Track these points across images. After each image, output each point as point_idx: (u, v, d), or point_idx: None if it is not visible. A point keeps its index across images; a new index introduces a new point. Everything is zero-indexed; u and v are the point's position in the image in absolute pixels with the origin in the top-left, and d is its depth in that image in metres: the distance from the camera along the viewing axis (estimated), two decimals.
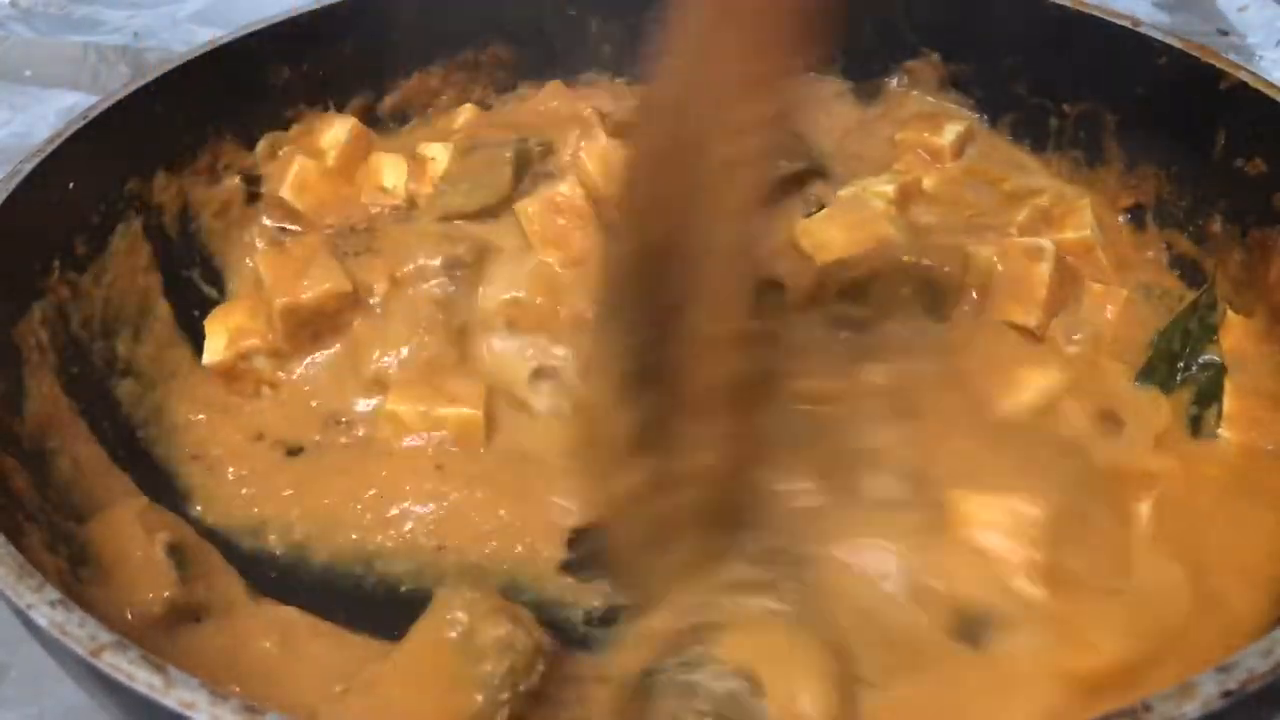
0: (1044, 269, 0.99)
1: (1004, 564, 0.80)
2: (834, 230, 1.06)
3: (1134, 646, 0.76)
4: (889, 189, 1.12)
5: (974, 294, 1.01)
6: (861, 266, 0.98)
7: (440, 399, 1.00)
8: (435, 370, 1.04)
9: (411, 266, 1.09)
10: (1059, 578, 0.79)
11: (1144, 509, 0.86)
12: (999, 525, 0.81)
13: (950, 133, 1.25)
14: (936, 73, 1.32)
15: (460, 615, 0.76)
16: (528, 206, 1.12)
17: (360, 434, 1.03)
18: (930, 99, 1.33)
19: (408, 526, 0.95)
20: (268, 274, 1.05)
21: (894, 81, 1.35)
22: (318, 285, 1.05)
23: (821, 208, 1.09)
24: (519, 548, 0.93)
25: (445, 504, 0.96)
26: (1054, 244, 1.03)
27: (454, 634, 0.75)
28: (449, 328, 1.07)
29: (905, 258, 0.99)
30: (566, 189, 1.11)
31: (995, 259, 1.01)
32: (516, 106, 1.40)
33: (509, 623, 0.76)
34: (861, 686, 0.75)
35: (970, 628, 0.79)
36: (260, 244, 1.20)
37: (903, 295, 0.99)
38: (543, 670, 0.76)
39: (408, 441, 1.00)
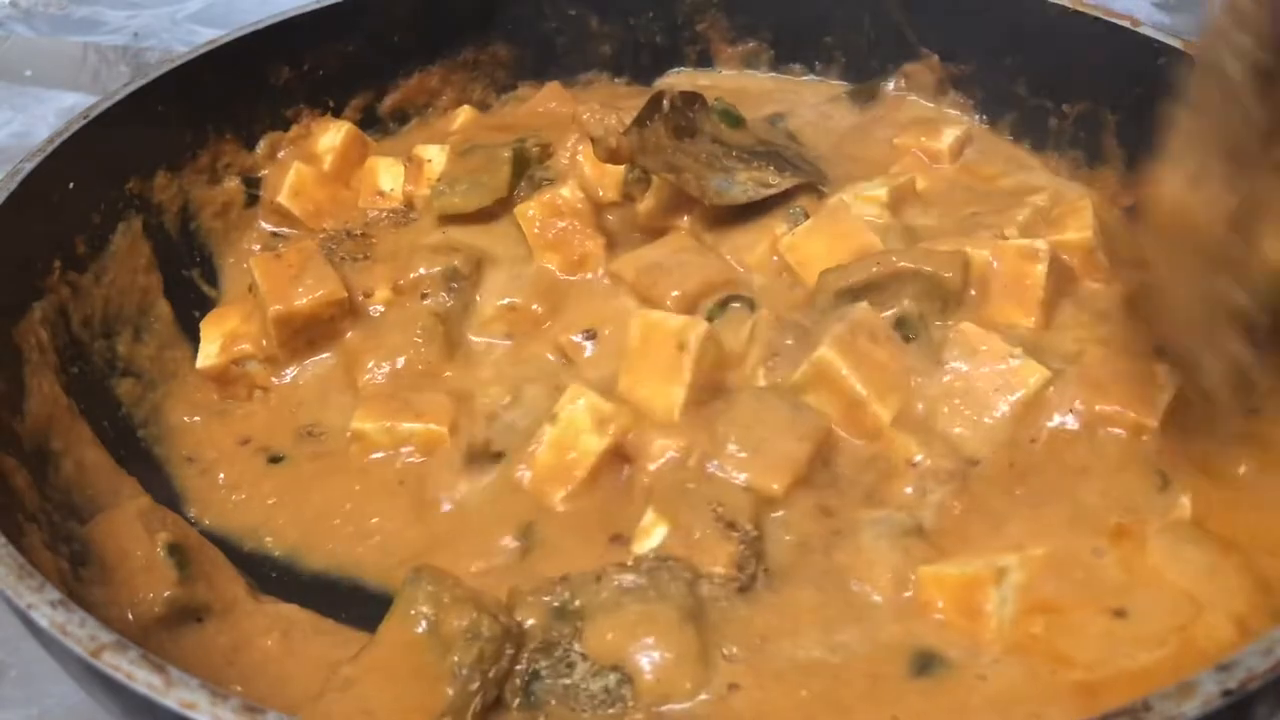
0: (1039, 270, 0.98)
1: (973, 635, 0.79)
2: (818, 243, 1.04)
3: (1132, 654, 0.75)
4: (881, 193, 1.12)
5: (972, 293, 1.01)
6: (859, 273, 0.98)
7: (407, 414, 0.99)
8: (424, 380, 1.03)
9: (411, 276, 1.09)
10: (1040, 622, 0.78)
11: (1185, 501, 0.85)
12: (965, 605, 0.80)
13: (948, 137, 1.25)
14: (934, 75, 1.32)
15: (424, 609, 0.76)
16: (528, 209, 1.12)
17: (332, 445, 1.02)
18: (927, 103, 1.33)
19: (387, 537, 0.94)
20: (262, 281, 1.05)
21: (890, 85, 1.35)
22: (312, 293, 1.04)
23: (808, 217, 1.09)
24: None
25: (423, 515, 0.95)
26: (1050, 245, 1.01)
27: (420, 629, 0.75)
28: (447, 339, 1.06)
29: (903, 264, 0.98)
30: (568, 192, 1.11)
31: (991, 260, 1.01)
32: (515, 108, 1.40)
33: (474, 610, 0.76)
34: (719, 655, 0.78)
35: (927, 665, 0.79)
36: (256, 249, 1.20)
37: (903, 302, 0.98)
38: (513, 653, 0.76)
39: (375, 455, 0.99)
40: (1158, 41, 1.12)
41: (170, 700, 0.60)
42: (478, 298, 1.09)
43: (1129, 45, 1.14)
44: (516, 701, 0.76)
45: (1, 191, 0.96)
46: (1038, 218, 1.10)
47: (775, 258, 1.07)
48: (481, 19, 1.37)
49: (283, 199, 1.20)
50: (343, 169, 1.25)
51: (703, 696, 0.76)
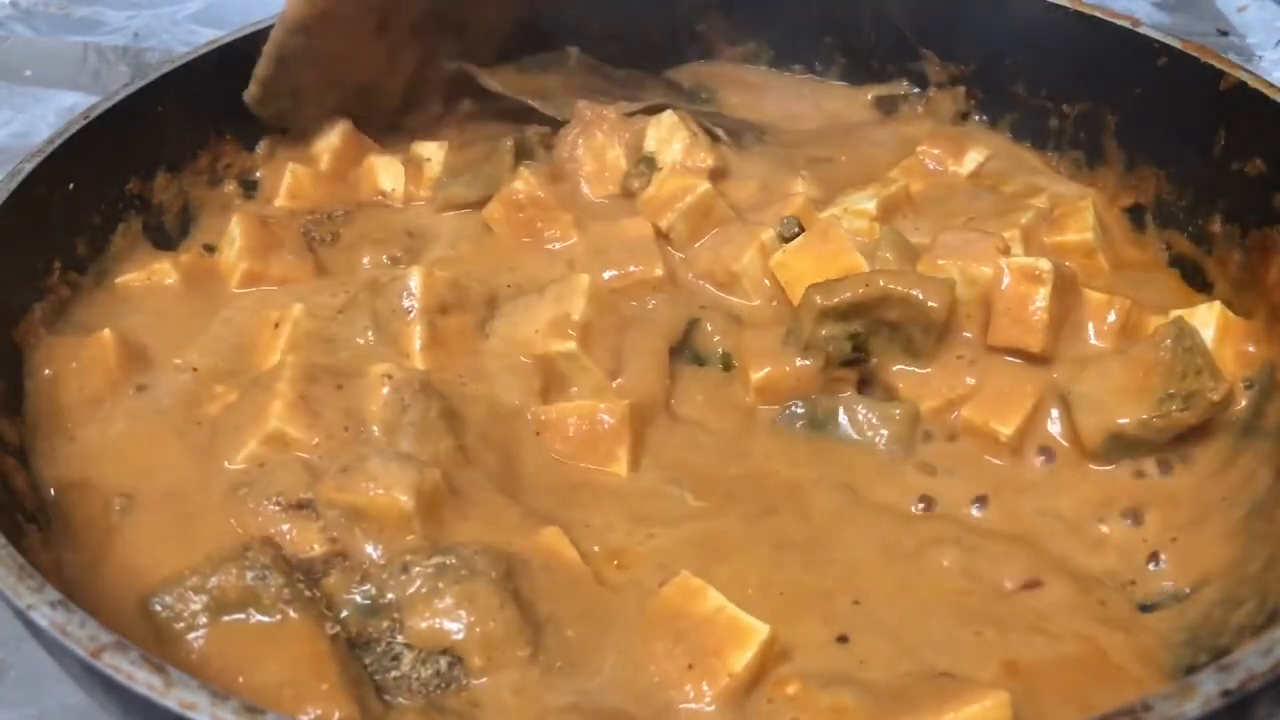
0: (1043, 292, 0.96)
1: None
2: (806, 261, 1.03)
3: None
4: (870, 206, 1.11)
5: (968, 320, 0.99)
6: (844, 292, 0.96)
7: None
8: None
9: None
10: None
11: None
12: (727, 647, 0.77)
13: (971, 162, 1.23)
14: (955, 107, 1.32)
15: (208, 597, 0.77)
16: (494, 210, 1.13)
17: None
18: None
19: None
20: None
21: (918, 108, 1.34)
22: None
23: (803, 229, 1.08)
24: None
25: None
26: (1054, 255, 0.99)
27: (241, 615, 0.77)
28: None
29: (891, 287, 0.95)
30: (522, 184, 1.12)
31: (993, 279, 0.97)
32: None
33: (241, 560, 0.78)
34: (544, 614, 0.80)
35: None
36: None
37: (887, 327, 0.97)
38: (305, 577, 0.79)
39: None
40: (1158, 41, 1.12)
41: (170, 700, 0.60)
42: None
43: (1129, 45, 1.14)
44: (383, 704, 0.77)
45: (1, 192, 0.96)
46: (1039, 220, 1.09)
47: (767, 281, 1.06)
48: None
49: (281, 202, 1.20)
50: (340, 167, 1.24)
51: (541, 658, 0.77)
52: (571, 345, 0.97)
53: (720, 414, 1.00)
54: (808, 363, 0.98)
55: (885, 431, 0.97)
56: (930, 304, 0.95)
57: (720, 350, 1.03)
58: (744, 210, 1.13)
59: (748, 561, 0.86)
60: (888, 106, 1.35)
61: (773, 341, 1.01)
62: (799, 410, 0.99)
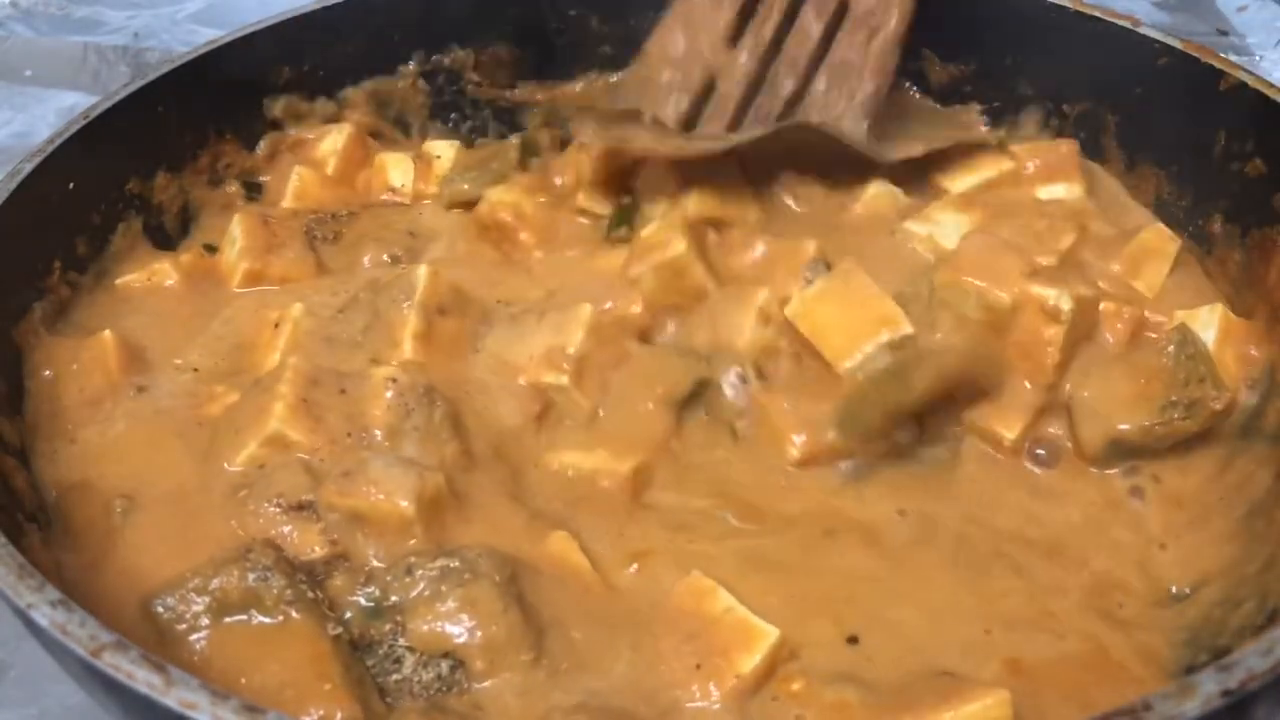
0: (1057, 332, 0.92)
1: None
2: (831, 309, 0.96)
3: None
4: (922, 230, 1.06)
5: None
6: (904, 393, 0.91)
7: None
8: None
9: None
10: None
11: None
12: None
13: (1048, 193, 1.13)
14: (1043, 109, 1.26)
15: (210, 599, 0.77)
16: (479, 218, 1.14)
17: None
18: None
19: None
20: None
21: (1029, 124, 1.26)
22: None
23: (829, 267, 1.00)
24: None
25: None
26: (1075, 298, 0.93)
27: (244, 617, 0.77)
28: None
29: (946, 360, 0.92)
30: (496, 198, 1.13)
31: (1011, 307, 0.94)
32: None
33: (243, 561, 0.78)
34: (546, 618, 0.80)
35: None
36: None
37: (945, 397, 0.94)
38: (304, 579, 0.79)
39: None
40: (1158, 41, 1.12)
41: (170, 700, 0.60)
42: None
43: (1129, 45, 1.14)
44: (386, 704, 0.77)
45: (1, 191, 0.96)
46: (1079, 244, 1.04)
47: (784, 341, 0.98)
48: (482, 19, 1.37)
49: (288, 204, 1.20)
50: (346, 170, 1.25)
51: (545, 661, 0.78)
52: (564, 379, 0.96)
53: (749, 466, 0.96)
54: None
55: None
56: (988, 375, 0.94)
57: (734, 424, 0.97)
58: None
59: (776, 569, 0.86)
60: (994, 120, 1.29)
61: (807, 409, 0.95)
62: (844, 469, 0.95)
